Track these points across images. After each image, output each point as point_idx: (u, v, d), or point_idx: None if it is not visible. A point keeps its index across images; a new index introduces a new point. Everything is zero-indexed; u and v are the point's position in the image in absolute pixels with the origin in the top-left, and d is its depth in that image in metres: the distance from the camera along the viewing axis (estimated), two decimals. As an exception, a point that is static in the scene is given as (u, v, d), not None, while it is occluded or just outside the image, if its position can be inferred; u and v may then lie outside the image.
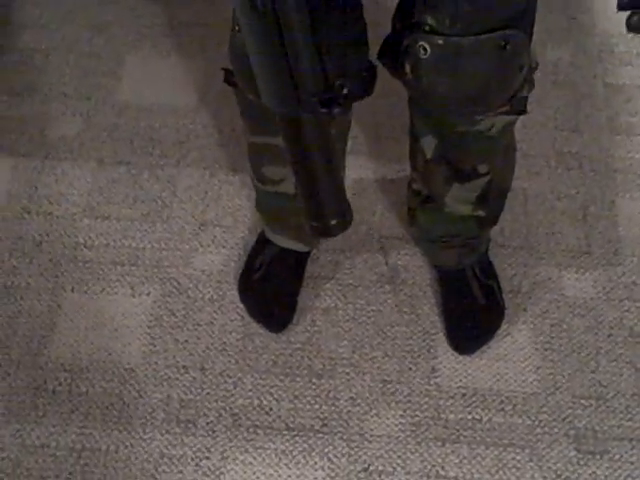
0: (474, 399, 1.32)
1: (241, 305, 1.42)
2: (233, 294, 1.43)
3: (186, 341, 1.39)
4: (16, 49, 1.76)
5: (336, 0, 0.87)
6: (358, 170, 1.57)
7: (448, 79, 0.92)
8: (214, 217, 1.52)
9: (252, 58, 0.71)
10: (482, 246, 1.38)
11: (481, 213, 1.24)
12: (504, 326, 1.39)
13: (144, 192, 1.56)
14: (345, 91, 0.72)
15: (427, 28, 0.90)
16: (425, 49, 0.90)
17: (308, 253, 1.43)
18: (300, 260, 1.41)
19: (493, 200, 1.23)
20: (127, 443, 1.29)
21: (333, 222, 0.79)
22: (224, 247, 1.49)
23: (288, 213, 1.29)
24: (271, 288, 1.38)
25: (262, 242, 1.42)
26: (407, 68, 0.95)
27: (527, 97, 1.02)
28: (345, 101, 0.72)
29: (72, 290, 1.44)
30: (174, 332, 1.40)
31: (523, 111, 1.02)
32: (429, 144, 1.11)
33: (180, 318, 1.41)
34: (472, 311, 1.37)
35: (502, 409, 1.31)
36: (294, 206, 1.23)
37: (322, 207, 0.79)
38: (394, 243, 1.49)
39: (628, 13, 0.73)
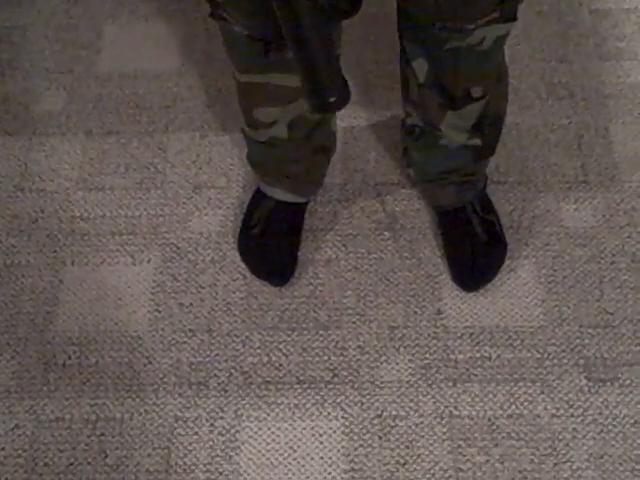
0: (482, 337, 1.32)
1: (241, 264, 1.42)
2: (233, 254, 1.43)
3: (191, 304, 1.39)
4: (-8, 27, 1.74)
5: None
6: (349, 119, 1.56)
7: None
8: (207, 179, 1.51)
9: None
10: (480, 182, 1.37)
11: (477, 142, 1.22)
12: (507, 262, 1.39)
13: (135, 160, 1.55)
14: None
15: None
16: None
17: (305, 204, 1.42)
18: (297, 212, 1.41)
19: (488, 128, 1.21)
20: (141, 410, 1.30)
21: (332, 99, 0.84)
22: (220, 208, 1.48)
23: (282, 163, 1.28)
24: (270, 243, 1.38)
25: (258, 197, 1.42)
26: None
27: (517, 3, 1.00)
28: None
29: (72, 264, 1.44)
30: (178, 296, 1.40)
31: (513, 18, 1.01)
32: (421, 68, 1.09)
33: (182, 282, 1.41)
34: (475, 248, 1.36)
35: (510, 345, 1.32)
36: (287, 154, 1.26)
37: (321, 85, 0.83)
38: (390, 189, 1.48)
39: None
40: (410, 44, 1.09)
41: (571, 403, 1.26)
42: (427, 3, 0.96)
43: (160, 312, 1.38)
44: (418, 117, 1.22)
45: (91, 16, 1.74)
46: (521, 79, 1.60)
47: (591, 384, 1.28)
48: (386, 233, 1.44)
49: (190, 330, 1.36)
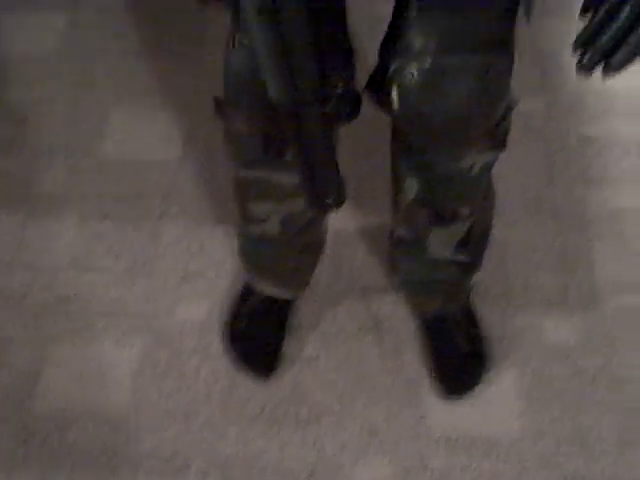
0: (461, 445, 1.33)
1: (226, 355, 1.42)
2: (217, 344, 1.43)
3: (171, 391, 1.38)
4: (1, 103, 1.78)
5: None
6: (339, 222, 1.58)
7: (434, 99, 0.96)
8: (197, 269, 1.53)
9: (258, 56, 0.79)
10: (462, 295, 1.40)
11: (463, 258, 1.25)
12: (488, 373, 1.40)
13: (128, 245, 1.57)
14: (339, 90, 0.84)
15: (416, 48, 0.94)
16: (412, 74, 0.95)
17: (292, 302, 1.44)
18: (284, 309, 1.42)
19: (474, 244, 1.25)
20: (113, 495, 1.28)
21: (329, 200, 0.89)
22: (207, 298, 1.49)
23: (272, 259, 1.31)
24: (256, 337, 1.39)
25: (246, 292, 1.43)
26: (394, 94, 0.98)
27: (507, 133, 1.06)
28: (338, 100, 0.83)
29: (57, 342, 1.44)
30: (158, 382, 1.39)
31: (503, 146, 1.06)
32: (411, 187, 1.13)
33: (164, 368, 1.41)
34: (457, 358, 1.39)
35: (488, 455, 1.32)
36: (277, 250, 1.28)
37: (320, 187, 0.88)
38: (376, 293, 1.50)
39: (578, 57, 0.78)
40: (402, 162, 1.13)
41: (547, 519, 1.26)
42: (421, 121, 1.00)
43: (140, 396, 1.38)
44: (405, 230, 1.26)
45: (98, 102, 1.79)
46: (507, 196, 1.63)
47: (567, 501, 1.28)
48: (370, 335, 1.45)
49: (170, 416, 1.35)
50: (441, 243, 1.22)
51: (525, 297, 1.50)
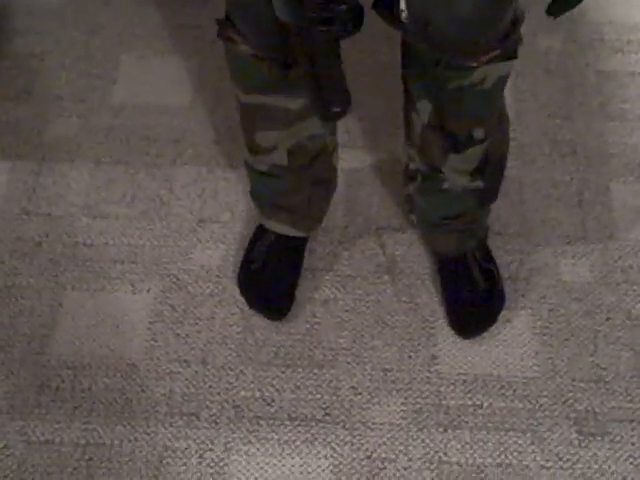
0: (474, 385, 1.33)
1: (241, 299, 1.42)
2: (233, 288, 1.44)
3: (187, 335, 1.40)
4: (10, 55, 1.77)
5: None
6: (354, 162, 1.58)
7: (442, 5, 0.96)
8: (212, 213, 1.53)
9: None
10: (481, 231, 1.39)
11: (479, 185, 1.24)
12: (503, 312, 1.40)
13: (141, 191, 1.57)
14: (343, 7, 0.88)
15: None
16: None
17: (305, 240, 1.44)
18: (297, 247, 1.42)
19: (490, 171, 1.23)
20: (131, 437, 1.30)
21: (336, 109, 0.94)
22: (222, 242, 1.49)
23: (282, 194, 1.31)
24: (269, 276, 1.39)
25: (259, 233, 1.43)
26: (402, 5, 0.99)
27: (518, 43, 1.05)
28: (343, 18, 0.88)
29: (72, 289, 1.45)
30: (175, 327, 1.40)
31: (514, 56, 1.05)
32: (425, 109, 1.12)
33: (180, 313, 1.42)
34: (474, 296, 1.38)
35: (503, 394, 1.32)
36: (287, 184, 1.28)
37: (328, 98, 0.94)
38: (391, 233, 1.50)
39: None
40: (414, 84, 1.13)
41: (560, 456, 1.26)
42: (431, 31, 0.99)
43: (156, 341, 1.39)
44: (421, 161, 1.25)
45: (108, 48, 1.78)
46: (525, 134, 1.62)
47: (581, 438, 1.28)
48: (385, 276, 1.45)
49: (185, 361, 1.37)
50: (457, 171, 1.21)
51: (542, 234, 1.49)
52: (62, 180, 1.59)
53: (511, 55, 1.05)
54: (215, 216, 1.53)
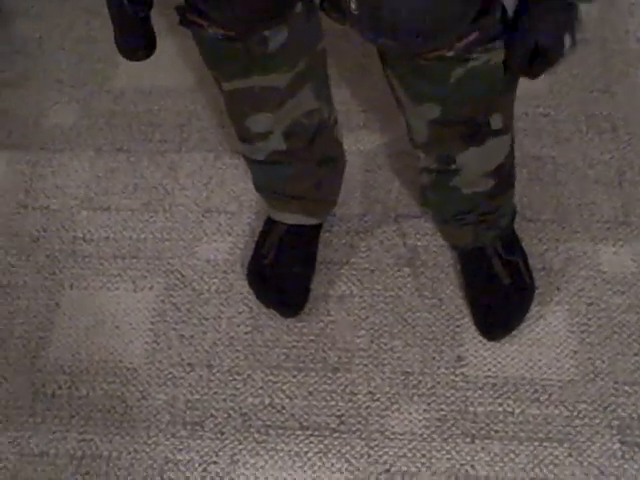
0: (505, 389, 1.21)
1: (250, 296, 1.32)
2: (241, 284, 1.34)
3: (192, 337, 1.29)
4: (7, 39, 1.69)
5: None
6: (371, 145, 1.48)
7: None
8: (219, 203, 1.43)
9: None
10: (502, 220, 1.27)
11: (491, 182, 1.14)
12: (536, 308, 1.27)
13: (144, 180, 1.47)
14: None
15: None
16: None
17: (319, 228, 1.35)
18: (310, 237, 1.33)
19: (509, 166, 1.14)
20: (130, 448, 1.20)
21: (140, 51, 0.98)
22: (230, 234, 1.39)
23: (288, 181, 1.23)
24: (282, 271, 1.29)
25: (269, 225, 1.34)
26: (352, 4, 0.86)
27: (495, 20, 0.91)
28: None
29: (71, 287, 1.36)
30: (179, 327, 1.30)
31: (496, 37, 0.92)
32: (431, 110, 1.01)
33: (185, 312, 1.32)
34: (497, 292, 1.26)
35: (536, 399, 1.20)
36: (291, 170, 1.19)
37: (127, 33, 0.98)
38: (413, 222, 1.39)
39: None
40: (410, 93, 1.01)
41: (602, 469, 1.14)
42: (392, 22, 0.86)
43: (159, 343, 1.29)
44: (430, 158, 1.14)
45: (109, 30, 1.66)
46: (559, 109, 1.50)
47: (625, 448, 1.15)
48: (406, 269, 1.34)
49: (189, 364, 1.27)
50: (473, 169, 1.11)
51: (579, 220, 1.36)
52: (61, 170, 1.50)
53: (495, 36, 0.92)
54: (222, 206, 1.43)
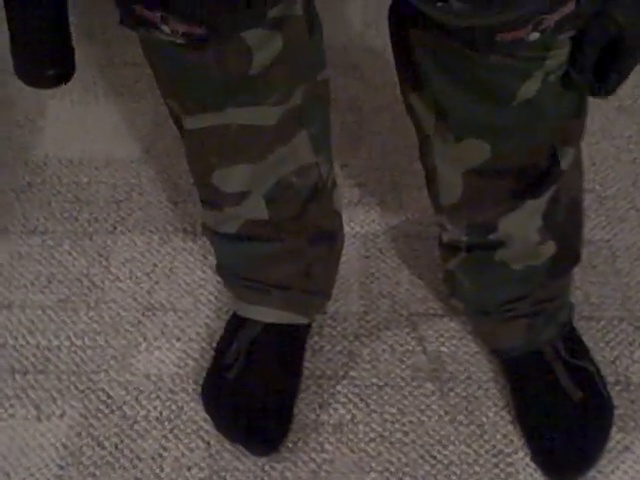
0: None
1: (207, 426, 0.97)
2: (193, 408, 0.99)
3: (117, 491, 0.91)
4: None
5: None
6: (371, 226, 1.22)
7: None
8: (165, 299, 1.12)
9: None
10: (562, 313, 0.99)
11: (551, 245, 0.91)
12: (618, 436, 0.94)
13: (63, 269, 1.16)
14: None
15: None
16: None
17: (306, 331, 1.05)
18: (295, 343, 1.03)
19: (564, 215, 0.89)
20: None
21: (51, 71, 0.75)
22: (179, 339, 1.07)
23: (266, 264, 0.97)
24: (253, 388, 0.99)
25: (236, 324, 1.03)
26: None
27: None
28: None
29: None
30: (100, 474, 0.93)
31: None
32: (481, 150, 0.80)
33: (111, 450, 0.96)
34: (565, 414, 0.95)
35: None
36: (272, 249, 0.96)
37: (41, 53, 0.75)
38: (432, 322, 1.09)
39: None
40: (454, 130, 0.80)
41: None
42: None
43: (67, 501, 0.90)
44: (459, 228, 0.93)
45: (32, 91, 1.39)
46: (607, 185, 1.26)
47: None
48: (428, 385, 1.02)
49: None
50: (528, 233, 0.88)
51: (654, 317, 1.07)
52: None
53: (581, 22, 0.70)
54: (169, 303, 1.11)
